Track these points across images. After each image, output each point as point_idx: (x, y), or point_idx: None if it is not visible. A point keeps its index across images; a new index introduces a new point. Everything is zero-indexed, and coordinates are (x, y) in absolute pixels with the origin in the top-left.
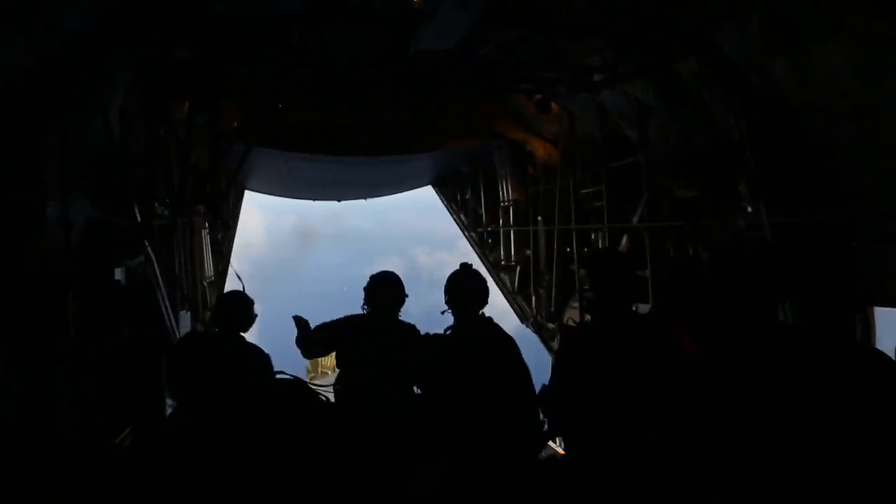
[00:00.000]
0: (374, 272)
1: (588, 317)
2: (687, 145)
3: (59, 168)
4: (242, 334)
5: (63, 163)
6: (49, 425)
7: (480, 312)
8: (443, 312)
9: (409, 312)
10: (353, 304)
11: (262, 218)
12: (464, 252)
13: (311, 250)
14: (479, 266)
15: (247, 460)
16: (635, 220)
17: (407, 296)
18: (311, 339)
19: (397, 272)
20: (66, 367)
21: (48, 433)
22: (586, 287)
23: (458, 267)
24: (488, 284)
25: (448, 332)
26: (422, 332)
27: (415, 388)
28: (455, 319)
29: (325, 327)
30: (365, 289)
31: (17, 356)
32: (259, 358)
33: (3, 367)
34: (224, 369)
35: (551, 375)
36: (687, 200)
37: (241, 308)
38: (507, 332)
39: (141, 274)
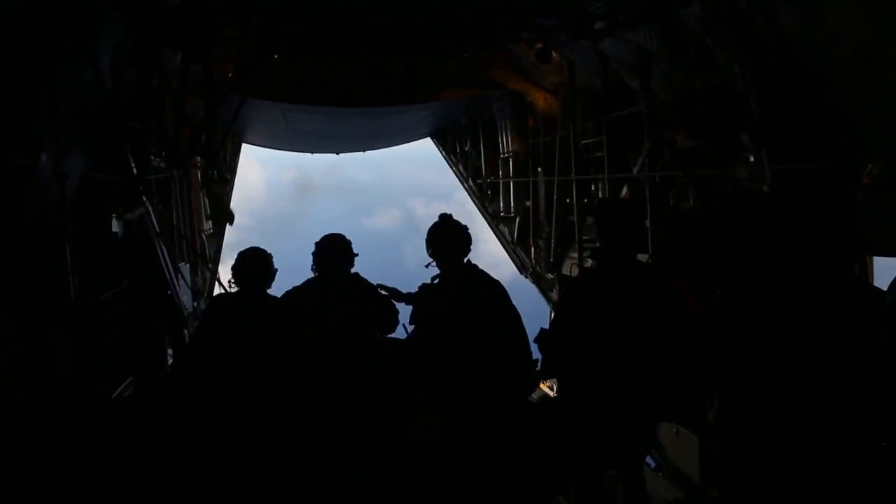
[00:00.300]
0: (371, 224)
1: (590, 262)
2: (690, 94)
3: (50, 119)
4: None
5: (55, 113)
6: (49, 376)
7: (466, 260)
8: (427, 266)
9: (405, 264)
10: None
11: (261, 171)
12: (461, 202)
13: (311, 202)
14: (478, 217)
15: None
16: (636, 170)
17: (356, 254)
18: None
19: (395, 223)
20: (65, 319)
21: (49, 384)
22: (586, 238)
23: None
24: (470, 232)
25: (435, 282)
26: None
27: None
28: (440, 269)
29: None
30: (312, 254)
31: (16, 309)
32: (285, 315)
33: (2, 320)
34: (252, 331)
35: (552, 319)
36: (689, 150)
37: (262, 266)
38: (504, 281)
39: (139, 227)
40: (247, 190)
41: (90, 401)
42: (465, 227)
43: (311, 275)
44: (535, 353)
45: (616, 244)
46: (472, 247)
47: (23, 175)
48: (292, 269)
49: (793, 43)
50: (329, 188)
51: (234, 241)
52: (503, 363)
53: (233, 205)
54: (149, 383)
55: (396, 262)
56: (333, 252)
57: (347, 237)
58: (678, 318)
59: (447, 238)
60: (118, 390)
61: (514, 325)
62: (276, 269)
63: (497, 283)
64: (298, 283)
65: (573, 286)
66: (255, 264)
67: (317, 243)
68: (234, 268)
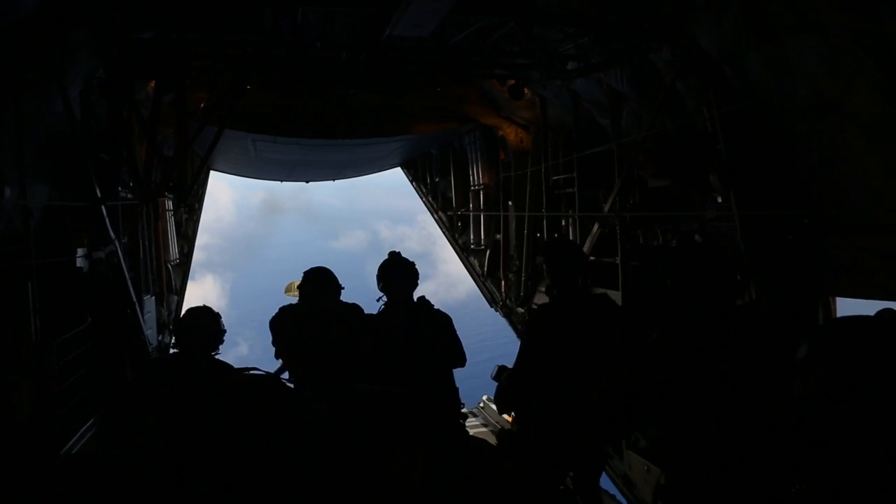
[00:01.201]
0: (338, 245)
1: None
2: (660, 135)
3: (15, 151)
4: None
5: (20, 146)
6: (6, 420)
7: (418, 296)
8: (378, 300)
9: (368, 279)
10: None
11: (231, 193)
12: (422, 226)
13: (279, 225)
14: (448, 249)
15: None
16: (606, 208)
17: (342, 287)
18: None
19: (361, 245)
20: (25, 358)
21: (5, 428)
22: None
23: (402, 248)
24: (417, 267)
25: (381, 311)
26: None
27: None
28: (388, 300)
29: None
30: (299, 286)
31: None
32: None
33: None
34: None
35: (518, 353)
36: (659, 189)
37: (208, 325)
38: (450, 311)
39: (106, 262)
40: (217, 211)
41: (48, 456)
42: (413, 264)
43: (282, 295)
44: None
45: (564, 281)
46: (419, 281)
47: None
48: (260, 289)
49: (759, 89)
50: (297, 210)
51: (205, 259)
52: (444, 388)
53: (203, 225)
54: (111, 424)
55: (360, 277)
56: (321, 285)
57: (315, 258)
58: (627, 345)
59: (395, 273)
60: (79, 433)
61: (454, 354)
62: (225, 330)
63: (444, 315)
64: (266, 302)
65: (532, 323)
66: (202, 325)
67: (305, 274)
68: (176, 325)
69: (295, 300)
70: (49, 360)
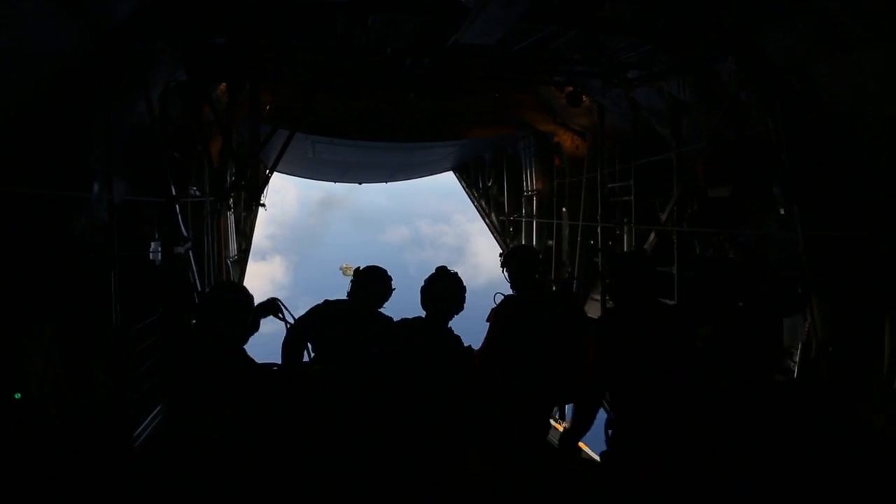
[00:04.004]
0: (384, 239)
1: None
2: (722, 145)
3: (104, 150)
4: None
5: (109, 144)
6: (86, 404)
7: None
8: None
9: (408, 267)
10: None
11: (295, 191)
12: (457, 223)
13: (334, 219)
14: (472, 234)
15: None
16: (664, 217)
17: (394, 289)
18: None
19: (404, 239)
20: (105, 346)
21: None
22: (608, 280)
23: (441, 265)
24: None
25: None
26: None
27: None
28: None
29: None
30: (352, 280)
31: (60, 335)
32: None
33: (46, 346)
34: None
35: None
36: (718, 199)
37: (241, 307)
38: None
39: (181, 257)
40: (283, 206)
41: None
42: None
43: (334, 272)
44: None
45: (631, 290)
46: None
47: (74, 203)
48: (318, 268)
49: (828, 101)
50: (350, 208)
51: (274, 245)
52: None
53: (271, 217)
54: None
55: (401, 266)
56: (375, 286)
57: (364, 248)
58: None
59: (441, 293)
60: (148, 418)
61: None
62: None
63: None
64: (322, 277)
65: (602, 332)
66: (234, 306)
67: (358, 271)
68: (207, 301)
69: (347, 278)
70: (128, 347)
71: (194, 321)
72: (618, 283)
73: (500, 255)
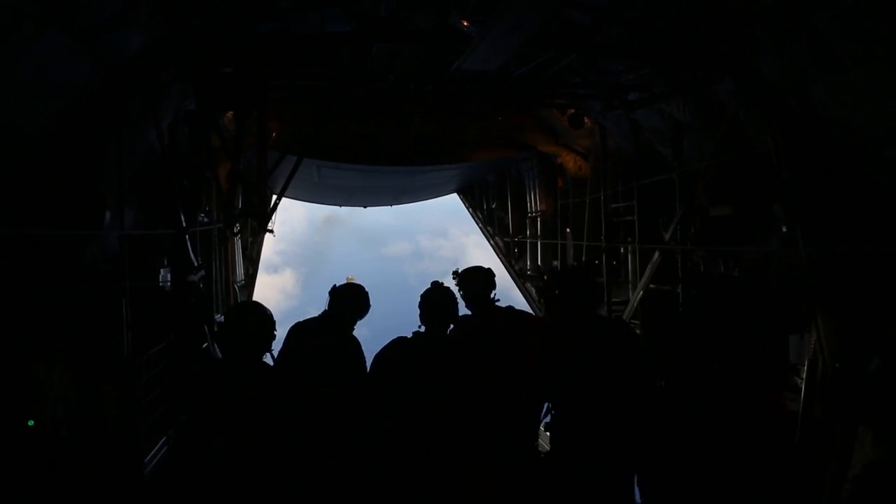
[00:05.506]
0: (387, 252)
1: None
2: (722, 164)
3: (116, 179)
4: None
5: (121, 174)
6: (98, 431)
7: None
8: (419, 327)
9: (407, 278)
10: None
11: (303, 210)
12: (454, 237)
13: (339, 236)
14: (504, 274)
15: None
16: (667, 236)
17: (369, 307)
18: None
19: (405, 252)
20: (116, 371)
21: (96, 439)
22: (615, 300)
23: (436, 280)
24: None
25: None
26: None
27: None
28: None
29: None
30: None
31: (72, 363)
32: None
33: (59, 374)
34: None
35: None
36: (720, 217)
37: (260, 325)
38: None
39: (195, 284)
40: (291, 224)
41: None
42: (453, 295)
43: (341, 282)
44: None
45: (573, 302)
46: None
47: (87, 232)
48: (325, 279)
49: (825, 119)
50: (354, 226)
51: (284, 259)
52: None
53: (281, 235)
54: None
55: (401, 275)
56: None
57: (368, 262)
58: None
59: (437, 301)
60: (158, 445)
61: None
62: (276, 335)
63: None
64: (329, 287)
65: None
66: (254, 325)
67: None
68: (228, 323)
69: None
70: (138, 374)
71: (207, 344)
72: (561, 296)
73: (453, 273)
